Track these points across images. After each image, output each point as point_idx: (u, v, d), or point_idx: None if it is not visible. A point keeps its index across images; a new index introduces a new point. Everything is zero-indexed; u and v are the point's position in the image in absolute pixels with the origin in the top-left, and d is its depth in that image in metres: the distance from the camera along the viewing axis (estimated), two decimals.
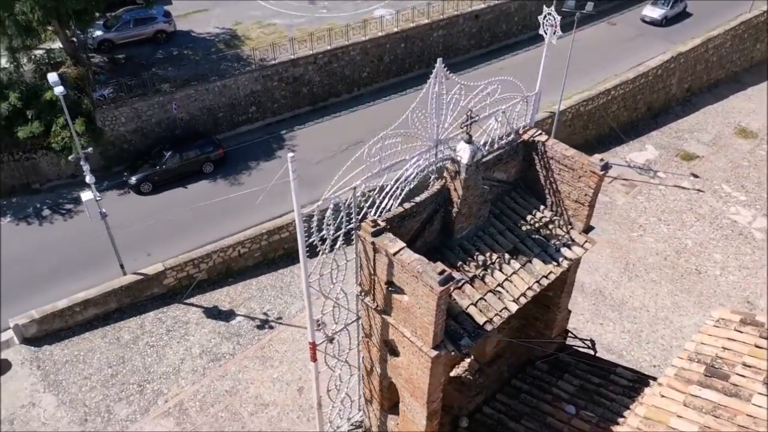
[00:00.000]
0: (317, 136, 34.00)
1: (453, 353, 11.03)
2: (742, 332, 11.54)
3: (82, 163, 22.95)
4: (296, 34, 36.06)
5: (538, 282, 12.15)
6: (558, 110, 32.79)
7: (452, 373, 15.40)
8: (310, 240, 11.06)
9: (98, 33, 34.50)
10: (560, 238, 13.03)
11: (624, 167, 36.10)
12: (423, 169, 12.22)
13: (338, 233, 11.41)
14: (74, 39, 33.15)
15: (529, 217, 13.24)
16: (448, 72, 11.18)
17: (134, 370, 24.21)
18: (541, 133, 13.37)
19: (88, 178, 22.89)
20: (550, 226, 13.19)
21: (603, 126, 37.86)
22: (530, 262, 12.45)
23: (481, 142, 13.11)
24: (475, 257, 12.25)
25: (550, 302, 14.68)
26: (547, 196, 13.57)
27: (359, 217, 11.51)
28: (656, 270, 29.96)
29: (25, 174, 31.15)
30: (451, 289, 10.26)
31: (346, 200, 11.22)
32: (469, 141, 11.42)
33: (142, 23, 35.06)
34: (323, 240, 11.25)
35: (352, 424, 15.35)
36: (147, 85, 31.75)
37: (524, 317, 15.53)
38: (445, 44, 39.07)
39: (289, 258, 28.97)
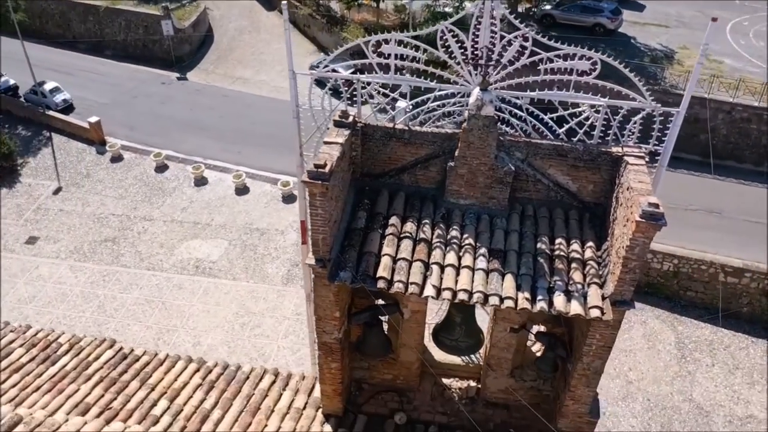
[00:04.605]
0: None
1: (324, 277, 9.81)
2: None
3: None
4: (731, 80, 31.13)
5: (484, 295, 9.43)
6: None
7: (446, 381, 13.26)
8: (303, 107, 11.15)
9: (547, 7, 36.37)
10: (571, 284, 9.62)
11: None
12: (456, 112, 10.64)
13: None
14: (531, 6, 36.00)
15: (559, 241, 10.11)
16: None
17: None
18: (641, 155, 9.81)
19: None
20: (573, 266, 9.82)
21: None
22: (502, 276, 9.68)
23: (565, 129, 10.60)
24: (448, 228, 10.23)
25: (565, 377, 11.07)
26: (608, 236, 10.04)
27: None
28: None
29: None
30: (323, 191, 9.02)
31: (349, 87, 10.82)
32: (484, 87, 9.45)
33: (587, 12, 35.39)
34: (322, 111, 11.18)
35: None
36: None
37: (554, 388, 12.10)
38: None
39: None
